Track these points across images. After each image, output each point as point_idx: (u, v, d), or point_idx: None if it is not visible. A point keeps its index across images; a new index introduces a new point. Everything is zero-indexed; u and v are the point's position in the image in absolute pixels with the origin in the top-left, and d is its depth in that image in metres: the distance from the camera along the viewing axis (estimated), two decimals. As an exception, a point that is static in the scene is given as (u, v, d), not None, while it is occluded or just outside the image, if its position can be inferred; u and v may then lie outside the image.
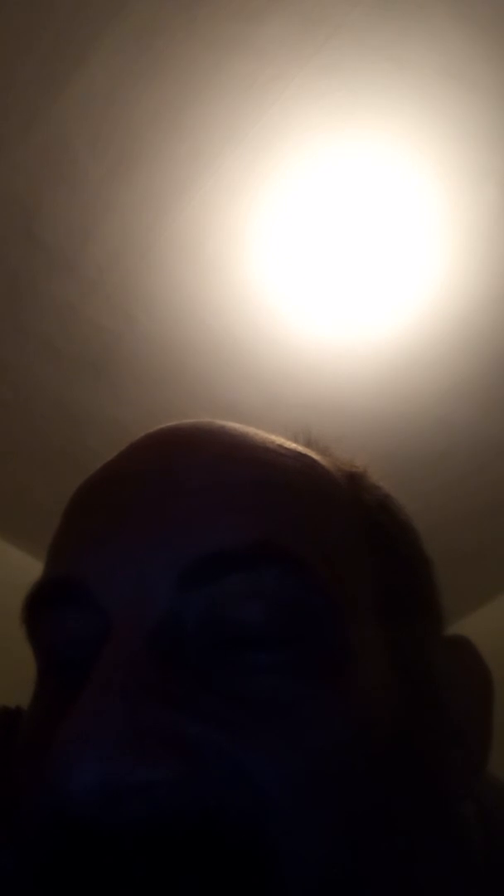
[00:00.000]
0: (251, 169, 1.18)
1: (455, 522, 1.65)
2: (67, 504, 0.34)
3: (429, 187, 1.19)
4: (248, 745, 0.24)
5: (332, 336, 1.39)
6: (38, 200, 1.23)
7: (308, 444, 0.35)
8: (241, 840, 0.23)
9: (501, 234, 1.24)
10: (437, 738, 0.30)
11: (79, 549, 0.30)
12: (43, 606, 0.30)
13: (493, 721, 0.32)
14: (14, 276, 1.33)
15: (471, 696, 0.32)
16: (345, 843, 0.24)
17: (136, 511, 0.30)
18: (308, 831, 0.24)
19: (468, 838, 0.29)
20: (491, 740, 0.32)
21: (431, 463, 1.58)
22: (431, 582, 0.35)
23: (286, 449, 0.33)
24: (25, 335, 1.42)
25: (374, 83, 1.08)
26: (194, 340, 1.41)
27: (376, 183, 1.19)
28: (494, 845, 0.31)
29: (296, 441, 0.35)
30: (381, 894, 0.25)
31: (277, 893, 0.23)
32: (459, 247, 1.26)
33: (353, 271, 1.29)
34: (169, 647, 0.26)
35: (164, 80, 1.09)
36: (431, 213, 1.22)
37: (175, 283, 1.33)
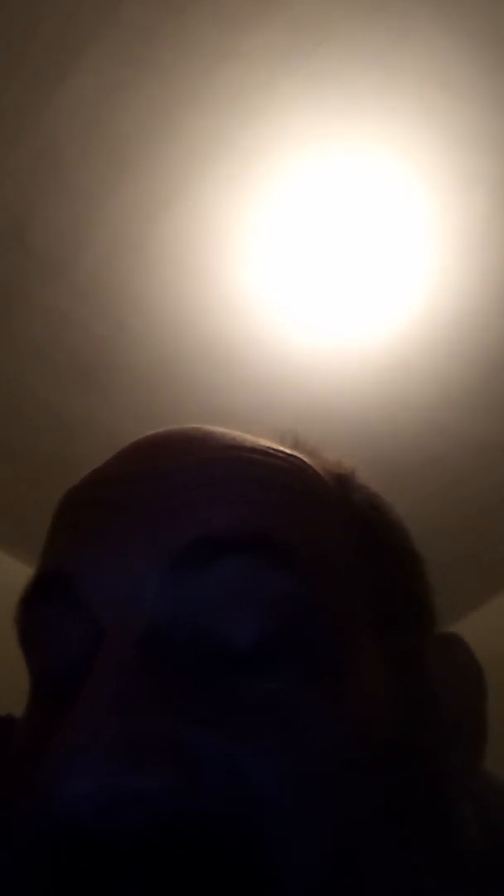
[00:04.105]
0: (242, 175, 1.18)
1: (448, 527, 1.65)
2: (56, 507, 0.34)
3: (420, 194, 1.19)
4: (243, 750, 0.24)
5: (324, 342, 1.39)
6: (29, 207, 1.23)
7: (296, 446, 0.35)
8: (240, 846, 0.23)
9: (492, 240, 1.25)
10: (433, 738, 0.29)
11: (67, 545, 0.30)
12: (34, 604, 0.30)
13: (487, 717, 0.32)
14: (5, 283, 1.33)
15: (464, 693, 0.32)
16: (344, 846, 0.24)
17: (125, 509, 0.29)
18: (307, 835, 0.24)
19: (467, 837, 0.29)
20: (486, 737, 0.32)
21: (424, 468, 1.58)
22: (423, 580, 0.35)
23: (275, 450, 0.33)
24: (16, 342, 1.42)
25: (364, 91, 1.09)
26: (186, 346, 1.41)
27: (367, 189, 1.19)
28: (493, 844, 0.31)
29: (283, 443, 0.35)
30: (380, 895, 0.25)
31: None
32: (450, 253, 1.26)
33: (344, 277, 1.30)
34: (161, 653, 0.26)
35: (154, 87, 1.10)
36: (422, 219, 1.22)
37: (166, 289, 1.33)
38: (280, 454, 0.33)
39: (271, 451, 0.32)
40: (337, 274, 1.29)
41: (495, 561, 1.79)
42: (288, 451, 0.33)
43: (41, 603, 0.30)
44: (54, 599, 0.29)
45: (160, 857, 0.22)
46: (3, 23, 1.03)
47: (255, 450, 0.32)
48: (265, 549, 0.27)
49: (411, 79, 1.08)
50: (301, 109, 1.11)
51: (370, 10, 1.02)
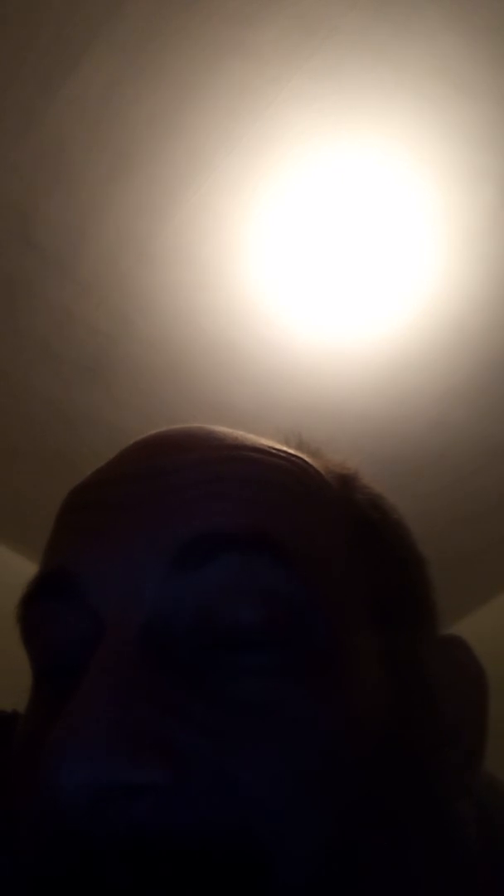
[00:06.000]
0: (247, 172, 1.18)
1: (452, 524, 1.65)
2: (59, 508, 0.34)
3: (425, 189, 1.19)
4: (236, 750, 0.24)
5: (328, 338, 1.39)
6: (34, 203, 1.23)
7: (299, 446, 0.35)
8: (233, 847, 0.23)
9: (497, 235, 1.24)
10: (430, 738, 0.29)
11: (69, 545, 0.30)
12: (36, 601, 0.30)
13: (487, 719, 0.32)
14: (9, 279, 1.33)
15: (465, 694, 0.32)
16: (338, 846, 0.24)
17: (127, 508, 0.30)
18: (301, 836, 0.24)
19: (465, 837, 0.29)
20: (486, 739, 0.32)
21: (428, 465, 1.58)
22: (425, 581, 0.35)
23: (277, 450, 0.33)
24: (21, 338, 1.42)
25: (370, 86, 1.09)
26: (190, 342, 1.41)
27: (372, 185, 1.19)
28: (494, 845, 0.31)
29: (287, 443, 0.35)
30: (375, 894, 0.25)
31: None
32: (455, 248, 1.26)
33: (348, 273, 1.30)
34: (159, 648, 0.26)
35: (159, 83, 1.09)
36: (427, 214, 1.22)
37: (171, 286, 1.33)
38: (282, 454, 0.33)
39: (273, 450, 0.33)
40: (341, 271, 1.29)
41: (499, 558, 1.78)
42: (290, 451, 0.34)
43: (43, 600, 0.30)
44: (57, 596, 0.29)
45: (153, 858, 0.22)
46: (7, 19, 1.03)
47: (256, 449, 0.32)
48: (263, 546, 0.28)
49: (417, 75, 1.07)
50: (306, 105, 1.11)
51: (376, 6, 1.02)
